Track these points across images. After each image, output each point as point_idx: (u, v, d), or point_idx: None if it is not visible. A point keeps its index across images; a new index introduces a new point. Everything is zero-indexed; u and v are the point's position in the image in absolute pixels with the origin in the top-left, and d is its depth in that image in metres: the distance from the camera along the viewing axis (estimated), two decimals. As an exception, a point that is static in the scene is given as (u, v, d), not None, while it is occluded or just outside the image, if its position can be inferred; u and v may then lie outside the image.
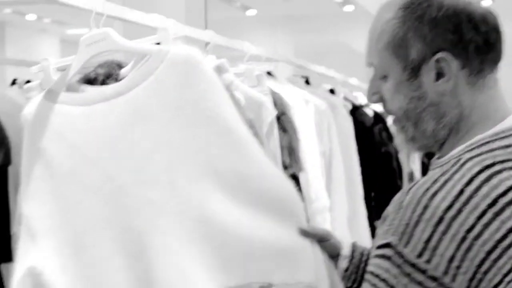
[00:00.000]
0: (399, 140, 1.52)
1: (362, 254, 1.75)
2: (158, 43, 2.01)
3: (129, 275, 1.58)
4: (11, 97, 2.89)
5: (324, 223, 3.01)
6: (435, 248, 1.27)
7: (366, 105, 4.33)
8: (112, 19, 1.95)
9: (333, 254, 1.72)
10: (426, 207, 1.30)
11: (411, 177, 5.14)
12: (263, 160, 1.64)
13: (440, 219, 1.28)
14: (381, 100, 1.50)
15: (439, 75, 1.41)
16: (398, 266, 1.30)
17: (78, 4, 1.82)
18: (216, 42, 2.46)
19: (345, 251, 1.73)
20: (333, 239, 1.73)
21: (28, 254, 1.59)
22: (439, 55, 1.40)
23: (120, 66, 1.90)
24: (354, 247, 1.75)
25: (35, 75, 2.70)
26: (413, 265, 1.29)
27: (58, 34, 15.67)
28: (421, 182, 1.35)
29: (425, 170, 5.65)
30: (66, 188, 1.62)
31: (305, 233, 1.65)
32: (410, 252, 1.29)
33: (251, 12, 12.42)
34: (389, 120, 4.74)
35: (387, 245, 1.33)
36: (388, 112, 1.51)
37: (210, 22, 5.34)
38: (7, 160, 2.58)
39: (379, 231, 1.41)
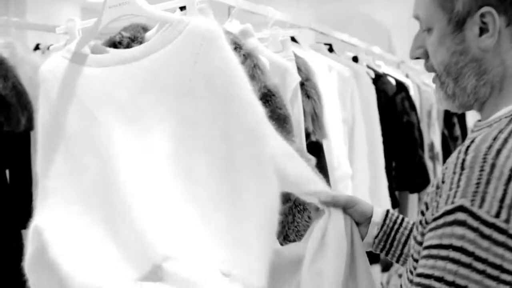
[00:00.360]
0: (438, 97, 1.50)
1: (395, 222, 1.72)
2: (183, 7, 2.01)
3: (115, 239, 1.58)
4: (35, 62, 2.90)
5: (346, 190, 3.00)
6: (511, 206, 1.23)
7: (388, 74, 4.30)
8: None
9: (362, 220, 1.70)
10: (493, 166, 1.25)
11: (431, 147, 5.12)
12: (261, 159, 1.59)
13: (509, 178, 1.24)
14: (425, 55, 1.49)
15: (483, 31, 1.40)
16: (475, 229, 1.23)
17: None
18: (240, 6, 2.44)
19: (377, 217, 1.71)
20: (360, 204, 1.70)
21: (39, 211, 1.62)
22: (484, 9, 1.39)
23: (145, 29, 1.89)
24: (387, 214, 1.73)
25: (57, 39, 2.70)
26: (492, 226, 1.23)
27: (79, 2, 15.67)
28: (479, 140, 1.30)
29: (444, 141, 5.63)
30: (75, 148, 1.63)
31: (327, 203, 1.63)
32: (486, 212, 1.23)
33: (272, -19, 12.36)
34: (412, 90, 4.72)
35: (458, 209, 1.25)
36: (429, 68, 1.50)
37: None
38: (30, 125, 2.60)
39: (432, 200, 1.35)
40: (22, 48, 3.01)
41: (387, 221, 1.72)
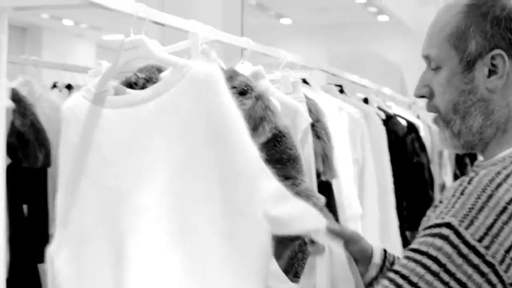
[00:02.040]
0: (442, 137, 1.54)
1: (392, 263, 1.74)
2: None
3: (113, 273, 1.66)
4: (52, 100, 2.96)
5: (356, 230, 3.02)
6: (496, 236, 1.30)
7: (399, 115, 4.34)
8: (151, 24, 1.99)
9: (362, 258, 1.72)
10: (490, 196, 1.32)
11: (442, 188, 5.14)
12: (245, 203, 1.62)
13: (504, 209, 1.31)
14: (430, 94, 1.54)
15: (491, 72, 1.47)
16: (455, 246, 1.31)
17: (120, 9, 1.86)
18: (253, 48, 2.50)
19: (376, 258, 1.73)
20: (363, 242, 1.73)
21: (54, 240, 1.73)
22: (495, 51, 1.46)
23: (159, 70, 1.95)
24: (385, 255, 1.75)
25: (73, 77, 2.76)
26: (471, 248, 1.30)
27: (94, 39, 15.83)
28: (483, 173, 1.37)
29: (456, 181, 5.64)
30: (83, 183, 1.71)
31: (333, 232, 1.65)
32: (471, 235, 1.30)
33: (286, 21, 12.47)
34: (422, 130, 4.75)
35: (445, 225, 1.33)
36: (432, 108, 1.54)
37: (246, 29, 5.39)
38: (47, 162, 2.66)
39: (430, 217, 1.42)
40: (40, 86, 3.07)
41: (386, 263, 1.74)
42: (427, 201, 4.36)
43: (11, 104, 2.61)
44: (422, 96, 1.57)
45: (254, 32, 2.71)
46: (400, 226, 3.86)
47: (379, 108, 3.98)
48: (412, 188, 4.21)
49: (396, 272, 1.36)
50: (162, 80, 1.71)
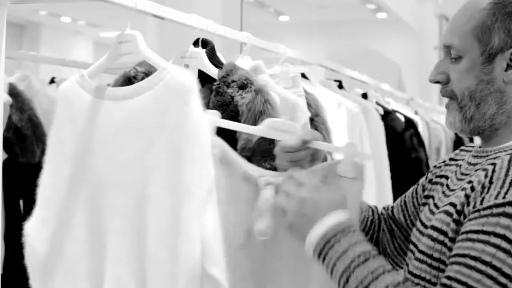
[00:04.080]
0: (451, 121, 1.64)
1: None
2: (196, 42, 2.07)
3: (90, 261, 1.72)
4: (50, 95, 2.96)
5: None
6: None
7: (398, 111, 4.34)
8: (151, 17, 2.00)
9: None
10: None
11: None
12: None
13: None
14: (445, 80, 1.63)
15: (509, 66, 1.57)
16: None
17: (119, 1, 1.85)
18: (252, 43, 2.50)
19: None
20: None
21: (33, 216, 1.76)
22: None
23: (160, 65, 1.94)
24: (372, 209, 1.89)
25: (72, 72, 2.77)
26: None
27: (92, 36, 15.84)
28: None
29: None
30: (67, 167, 1.73)
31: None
32: None
33: (284, 18, 12.48)
34: (420, 126, 4.75)
35: (508, 204, 1.40)
36: (447, 93, 1.64)
37: (245, 26, 5.38)
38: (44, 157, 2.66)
39: (474, 198, 1.47)
40: (37, 81, 3.07)
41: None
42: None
43: (8, 99, 2.61)
44: (437, 82, 1.66)
45: (253, 29, 2.71)
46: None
47: (378, 104, 3.98)
48: (410, 184, 4.20)
49: (464, 255, 1.39)
50: (144, 80, 1.71)
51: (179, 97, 1.64)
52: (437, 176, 1.78)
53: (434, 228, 1.54)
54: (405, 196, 1.91)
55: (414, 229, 1.69)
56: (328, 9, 11.60)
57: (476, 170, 1.59)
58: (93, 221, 1.71)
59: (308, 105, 2.51)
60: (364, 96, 3.98)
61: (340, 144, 1.71)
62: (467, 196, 1.48)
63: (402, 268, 1.83)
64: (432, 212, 1.63)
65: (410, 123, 4.32)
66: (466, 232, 1.41)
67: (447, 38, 1.64)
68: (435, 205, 1.64)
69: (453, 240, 1.48)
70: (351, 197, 1.64)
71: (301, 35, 12.47)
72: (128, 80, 1.91)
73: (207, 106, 1.90)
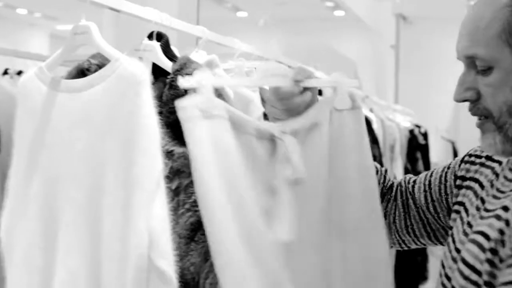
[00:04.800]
0: (490, 143, 1.41)
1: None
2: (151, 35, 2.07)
3: (43, 256, 1.73)
4: (4, 87, 2.93)
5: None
6: None
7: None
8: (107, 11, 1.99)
9: None
10: None
11: (394, 182, 5.19)
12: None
13: None
14: (475, 97, 1.41)
15: None
16: None
17: (75, -7, 1.86)
18: (207, 37, 2.50)
19: None
20: None
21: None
22: None
23: (114, 57, 1.94)
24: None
25: (26, 65, 2.75)
26: None
27: (48, 29, 15.65)
28: None
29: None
30: (23, 159, 1.75)
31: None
32: None
33: (242, 14, 12.47)
34: (375, 124, 4.79)
35: None
36: (479, 111, 1.41)
37: (202, 21, 5.38)
38: (-2, 148, 2.63)
39: (511, 237, 1.30)
40: (-10, 72, 3.04)
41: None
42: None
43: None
44: (465, 100, 1.43)
45: (210, 24, 2.71)
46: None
47: (333, 100, 3.99)
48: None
49: None
50: (98, 72, 1.72)
51: (131, 88, 1.64)
52: (469, 179, 1.57)
53: (465, 263, 1.36)
54: (430, 176, 1.70)
55: (451, 244, 1.49)
56: (286, 6, 11.62)
57: None
58: (46, 213, 1.71)
59: (262, 100, 2.52)
60: (320, 92, 4.00)
61: (329, 77, 1.64)
62: (501, 232, 1.29)
63: (408, 247, 1.73)
64: (465, 233, 1.44)
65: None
66: (506, 284, 1.25)
67: (467, 47, 1.39)
68: (469, 224, 1.45)
69: (489, 284, 1.29)
70: (357, 127, 1.61)
71: (258, 32, 12.46)
72: (82, 72, 1.90)
73: (160, 99, 1.90)
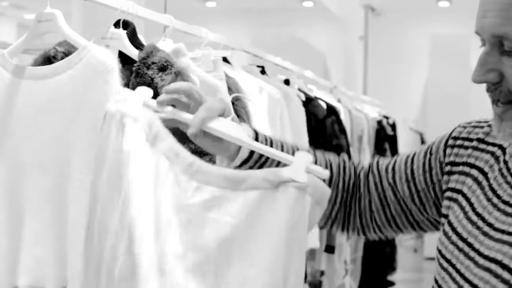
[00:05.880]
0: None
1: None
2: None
3: (8, 242, 1.74)
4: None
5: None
6: None
7: (319, 98, 4.40)
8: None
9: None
10: None
11: (361, 172, 5.23)
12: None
13: None
14: (498, 79, 1.28)
15: None
16: None
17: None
18: (174, 26, 2.51)
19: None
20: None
21: None
22: None
23: (80, 44, 1.94)
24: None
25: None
26: None
27: (16, 18, 15.50)
28: None
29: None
30: None
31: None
32: None
33: (211, 4, 12.44)
34: (343, 114, 4.83)
35: None
36: (502, 94, 1.29)
37: (170, 11, 5.36)
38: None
39: None
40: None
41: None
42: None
43: None
44: (485, 82, 1.30)
45: (179, 14, 2.70)
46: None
47: (300, 90, 4.02)
48: (331, 170, 4.26)
49: None
50: (65, 59, 1.72)
51: (100, 76, 1.65)
52: (462, 164, 1.47)
53: (489, 259, 1.30)
54: (411, 163, 1.57)
55: (452, 235, 1.42)
56: (255, -3, 11.63)
57: None
58: (12, 201, 1.72)
59: (229, 88, 2.54)
60: (287, 82, 4.02)
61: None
62: None
63: (391, 238, 1.67)
64: (475, 224, 1.37)
65: (332, 110, 4.38)
66: None
67: (497, 25, 1.24)
68: (477, 214, 1.38)
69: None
70: None
71: (227, 22, 12.45)
72: (48, 59, 1.90)
73: (127, 87, 1.91)
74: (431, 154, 1.54)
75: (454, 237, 1.40)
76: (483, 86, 1.30)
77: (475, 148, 1.46)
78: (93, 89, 1.65)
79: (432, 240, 9.91)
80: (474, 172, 1.43)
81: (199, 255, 1.26)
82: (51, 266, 1.68)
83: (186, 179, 1.30)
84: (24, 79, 1.73)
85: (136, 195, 1.25)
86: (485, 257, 1.30)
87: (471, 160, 1.45)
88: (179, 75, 1.97)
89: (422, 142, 10.64)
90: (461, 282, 1.34)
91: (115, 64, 1.68)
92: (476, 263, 1.31)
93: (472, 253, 1.33)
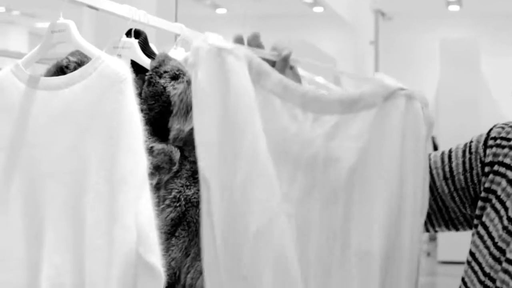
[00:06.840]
0: None
1: None
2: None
3: (27, 250, 1.72)
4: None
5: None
6: None
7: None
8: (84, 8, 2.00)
9: None
10: None
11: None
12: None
13: None
14: None
15: None
16: None
17: (52, -8, 1.87)
18: (185, 34, 2.51)
19: None
20: None
21: None
22: None
23: (93, 54, 1.96)
24: None
25: (4, 62, 2.76)
26: None
27: (27, 26, 15.60)
28: None
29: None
30: (2, 158, 1.73)
31: None
32: None
33: (221, 11, 12.49)
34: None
35: None
36: None
37: (180, 18, 5.39)
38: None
39: None
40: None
41: None
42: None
43: None
44: None
45: (190, 22, 2.71)
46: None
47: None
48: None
49: None
50: (79, 70, 1.73)
51: (114, 86, 1.66)
52: (498, 163, 1.46)
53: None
54: (449, 161, 1.56)
55: (487, 240, 1.41)
56: (265, 3, 11.65)
57: None
58: (30, 211, 1.72)
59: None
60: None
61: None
62: None
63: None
64: (508, 231, 1.37)
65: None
66: None
67: None
68: (509, 219, 1.38)
69: None
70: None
71: (237, 28, 12.49)
72: (61, 70, 1.91)
73: (140, 96, 1.92)
74: (470, 153, 1.52)
75: (489, 242, 1.39)
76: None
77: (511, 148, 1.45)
78: (107, 98, 1.65)
79: (445, 244, 9.89)
80: (509, 173, 1.42)
81: (329, 188, 1.29)
82: (70, 274, 1.69)
83: (301, 111, 1.30)
84: (38, 89, 1.74)
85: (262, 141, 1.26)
86: None
87: (507, 160, 1.44)
88: (191, 83, 1.98)
89: (434, 145, 10.61)
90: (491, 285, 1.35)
91: (129, 74, 1.68)
92: (506, 271, 1.33)
93: (505, 264, 1.34)
